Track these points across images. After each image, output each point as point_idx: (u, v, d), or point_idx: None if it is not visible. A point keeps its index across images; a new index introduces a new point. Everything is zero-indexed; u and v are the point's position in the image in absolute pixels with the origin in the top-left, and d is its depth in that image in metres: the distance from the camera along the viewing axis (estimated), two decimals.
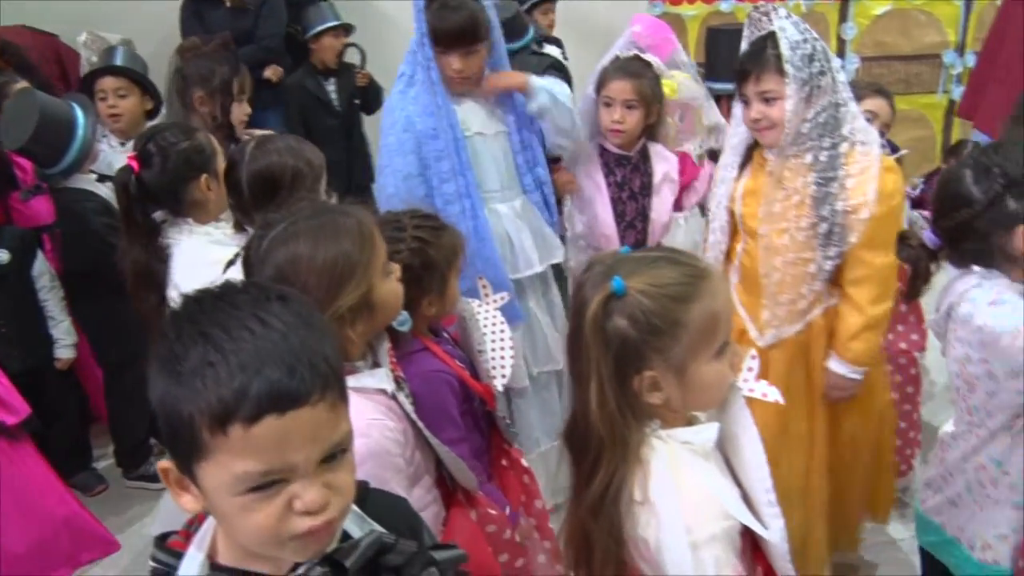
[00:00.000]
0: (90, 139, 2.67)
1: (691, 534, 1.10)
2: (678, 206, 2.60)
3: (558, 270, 2.62)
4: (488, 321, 1.78)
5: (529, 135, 2.41)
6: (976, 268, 1.58)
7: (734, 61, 1.99)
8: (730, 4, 4.85)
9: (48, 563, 2.38)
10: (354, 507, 0.91)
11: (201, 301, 0.82)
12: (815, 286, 1.95)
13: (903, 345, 2.57)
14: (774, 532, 1.17)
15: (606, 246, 2.48)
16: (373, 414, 1.32)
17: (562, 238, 2.59)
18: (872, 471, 2.17)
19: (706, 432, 1.18)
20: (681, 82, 2.59)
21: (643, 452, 1.15)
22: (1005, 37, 3.32)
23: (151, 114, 3.06)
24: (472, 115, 2.35)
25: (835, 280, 1.96)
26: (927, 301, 2.18)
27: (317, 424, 0.78)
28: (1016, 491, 1.60)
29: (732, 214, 2.09)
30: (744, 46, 1.95)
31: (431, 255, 1.63)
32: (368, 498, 0.95)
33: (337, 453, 0.81)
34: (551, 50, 3.56)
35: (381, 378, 1.37)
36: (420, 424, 1.43)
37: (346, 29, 4.17)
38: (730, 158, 2.09)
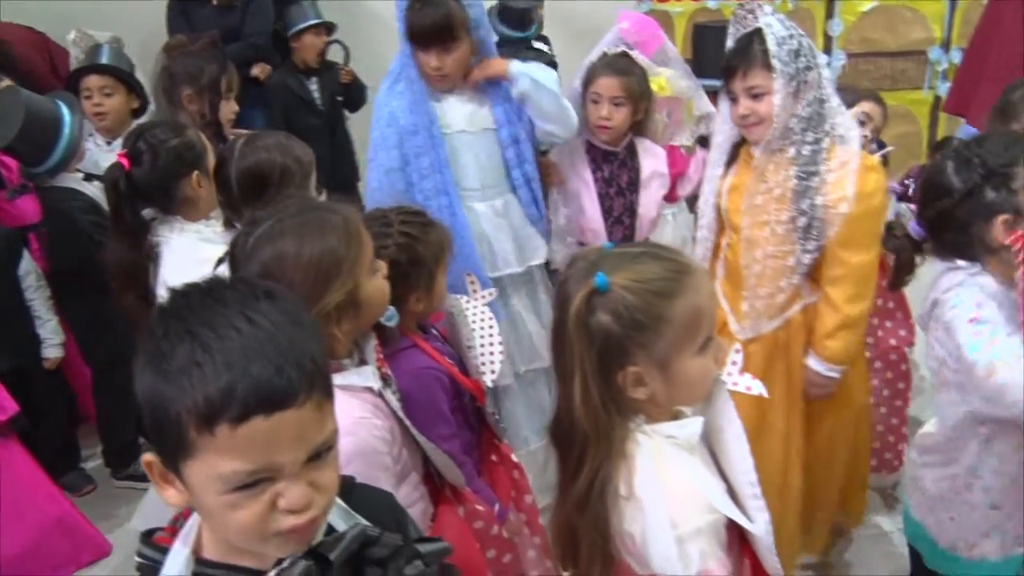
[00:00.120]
0: (76, 137, 2.65)
1: (676, 528, 1.10)
2: (673, 197, 2.61)
3: (551, 269, 2.62)
4: (477, 317, 1.78)
5: (518, 129, 2.40)
6: (961, 263, 1.59)
7: (721, 58, 2.00)
8: (717, 1, 4.86)
9: (48, 563, 2.37)
10: (340, 501, 0.92)
11: (188, 297, 0.82)
12: (793, 279, 1.96)
13: (892, 342, 2.58)
14: (759, 525, 1.17)
15: (593, 242, 2.47)
16: (360, 412, 1.32)
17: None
18: (848, 473, 2.18)
19: (691, 426, 1.18)
20: (669, 78, 2.59)
21: (628, 447, 1.16)
22: (993, 35, 3.34)
23: (137, 113, 3.05)
24: (455, 112, 2.35)
25: (817, 278, 1.98)
26: (913, 296, 2.20)
27: (303, 425, 0.79)
28: (990, 492, 1.61)
29: (719, 211, 2.10)
30: (730, 43, 1.96)
31: (418, 251, 1.64)
32: (353, 492, 0.95)
33: (322, 452, 0.82)
34: (538, 46, 3.58)
35: (367, 376, 1.37)
36: (407, 422, 1.43)
37: (328, 27, 4.14)
38: (716, 156, 2.10)
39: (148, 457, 0.84)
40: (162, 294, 1.96)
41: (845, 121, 1.92)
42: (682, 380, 1.16)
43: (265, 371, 0.76)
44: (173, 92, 2.74)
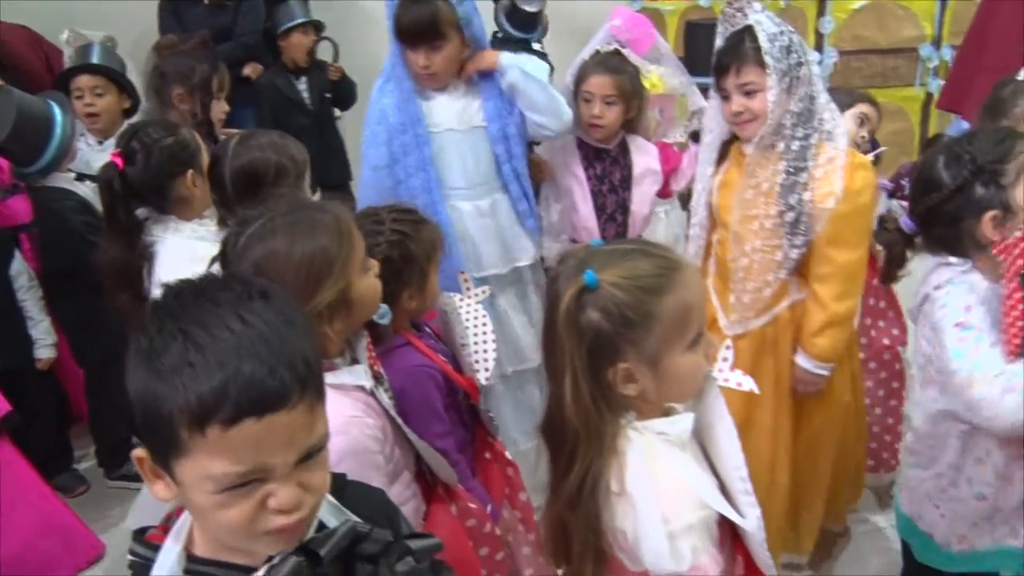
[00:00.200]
0: (68, 137, 2.65)
1: (668, 524, 1.10)
2: (667, 193, 2.61)
3: (544, 266, 2.61)
4: (470, 315, 1.78)
5: (508, 124, 2.38)
6: (952, 260, 1.60)
7: (712, 55, 2.00)
8: None
9: (41, 565, 2.37)
10: (331, 498, 0.92)
11: (182, 295, 0.82)
12: (780, 275, 1.96)
13: (886, 341, 2.58)
14: (751, 521, 1.17)
15: (586, 239, 2.48)
16: (352, 411, 1.32)
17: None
18: (836, 471, 2.18)
19: (681, 422, 1.18)
20: (661, 75, 2.59)
21: (619, 444, 1.16)
22: (988, 30, 3.35)
23: (129, 112, 3.04)
24: (444, 111, 2.34)
25: (805, 274, 1.98)
26: (904, 294, 2.20)
27: (295, 427, 0.79)
28: (974, 484, 1.62)
29: (711, 208, 2.10)
30: (719, 42, 1.95)
31: (410, 248, 1.64)
32: (346, 489, 0.95)
33: (313, 453, 0.82)
34: (537, 48, 3.58)
35: (359, 375, 1.37)
36: (399, 420, 1.43)
37: (316, 26, 4.12)
38: (706, 154, 2.10)
39: (139, 452, 0.83)
40: (157, 294, 1.96)
41: (834, 117, 1.93)
42: (672, 376, 1.16)
43: (258, 372, 0.76)
44: (164, 91, 2.74)
